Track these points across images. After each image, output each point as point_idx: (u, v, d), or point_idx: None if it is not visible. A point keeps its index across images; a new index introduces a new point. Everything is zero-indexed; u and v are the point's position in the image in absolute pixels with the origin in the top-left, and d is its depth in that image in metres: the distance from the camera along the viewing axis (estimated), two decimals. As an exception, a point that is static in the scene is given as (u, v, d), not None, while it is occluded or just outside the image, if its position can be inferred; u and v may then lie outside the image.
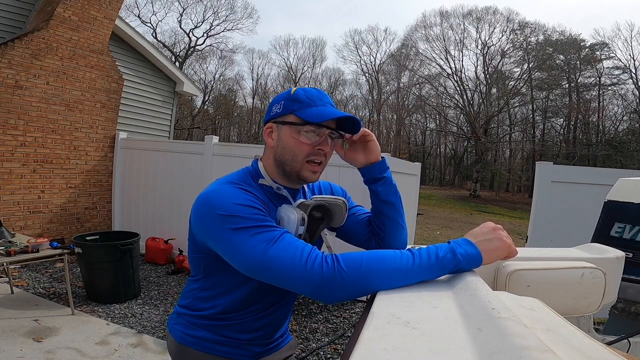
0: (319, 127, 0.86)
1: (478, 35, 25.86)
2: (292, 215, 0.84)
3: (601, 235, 1.81)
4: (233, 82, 31.60)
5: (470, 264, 0.71)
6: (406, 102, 30.09)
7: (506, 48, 25.16)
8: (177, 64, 24.69)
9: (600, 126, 23.51)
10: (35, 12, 4.47)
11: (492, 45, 25.49)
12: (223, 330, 0.93)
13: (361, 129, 0.92)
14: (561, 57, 23.44)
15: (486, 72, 25.47)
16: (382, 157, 0.98)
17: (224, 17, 27.80)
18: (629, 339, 1.13)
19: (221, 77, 30.48)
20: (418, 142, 31.36)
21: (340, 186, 1.11)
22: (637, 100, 21.69)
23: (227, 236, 0.76)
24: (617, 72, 22.27)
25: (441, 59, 26.64)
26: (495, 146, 25.89)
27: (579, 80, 23.27)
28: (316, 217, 0.94)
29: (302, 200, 0.93)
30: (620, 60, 22.08)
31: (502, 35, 25.38)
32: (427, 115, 29.85)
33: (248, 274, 0.76)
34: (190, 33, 26.92)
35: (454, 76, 26.15)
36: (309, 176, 0.89)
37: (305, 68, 32.81)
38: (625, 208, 1.76)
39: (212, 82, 29.76)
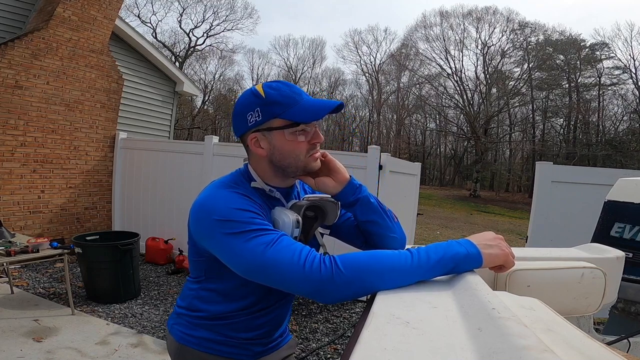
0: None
1: (478, 35, 25.88)
2: (286, 219, 0.84)
3: (601, 235, 1.81)
4: (233, 82, 31.65)
5: (470, 264, 0.71)
6: (406, 102, 30.09)
7: (506, 48, 25.18)
8: (177, 64, 24.69)
9: (600, 126, 23.50)
10: (35, 12, 4.47)
11: (492, 45, 25.51)
12: (223, 329, 0.94)
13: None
14: (561, 57, 23.43)
15: (486, 72, 25.47)
16: (351, 177, 0.95)
17: (224, 17, 27.84)
18: (629, 339, 1.13)
19: (221, 77, 30.54)
20: (418, 142, 31.34)
21: None
22: (637, 100, 21.68)
23: (225, 241, 0.76)
24: (617, 72, 22.28)
25: (441, 59, 26.67)
26: (495, 146, 25.88)
27: (579, 80, 23.26)
28: (309, 217, 0.94)
29: (294, 201, 0.93)
30: (620, 60, 22.09)
31: (502, 35, 25.40)
32: (427, 115, 29.87)
33: (247, 277, 0.77)
34: (190, 33, 26.94)
35: (454, 76, 26.15)
36: (314, 166, 0.90)
37: (305, 68, 32.87)
38: (625, 208, 1.76)
39: (212, 82, 29.81)
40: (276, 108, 0.82)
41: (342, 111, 0.98)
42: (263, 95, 0.83)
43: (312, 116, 0.82)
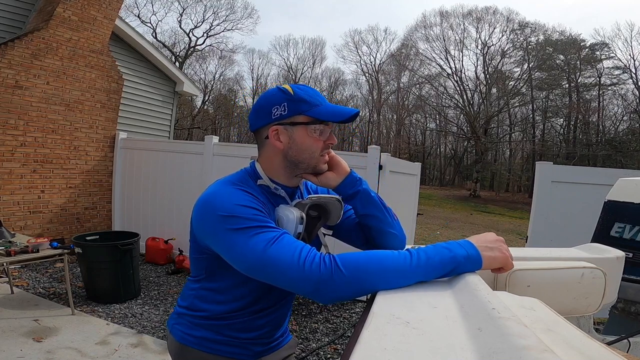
0: (327, 123, 0.89)
1: (478, 35, 25.88)
2: (290, 215, 0.85)
3: (601, 235, 1.81)
4: (233, 82, 31.69)
5: (470, 266, 0.71)
6: (406, 102, 30.09)
7: (506, 48, 25.17)
8: (177, 64, 24.69)
9: (600, 126, 23.50)
10: (35, 12, 4.47)
11: (492, 45, 25.50)
12: (224, 329, 0.94)
13: None
14: (561, 57, 23.43)
15: (486, 72, 25.47)
16: (351, 170, 0.97)
17: (223, 17, 27.85)
18: (629, 339, 1.13)
19: (221, 77, 30.56)
20: (418, 142, 31.34)
21: None
22: (637, 100, 21.68)
23: (227, 236, 0.77)
24: (617, 72, 22.28)
25: (441, 59, 26.66)
26: (495, 146, 25.88)
27: (579, 80, 23.26)
28: (313, 216, 0.94)
29: (299, 200, 0.94)
30: (620, 60, 22.09)
31: (502, 35, 25.40)
32: (427, 115, 29.86)
33: (247, 273, 0.77)
34: (190, 33, 26.94)
35: (454, 76, 26.15)
36: (323, 167, 0.93)
37: (305, 68, 32.89)
38: (625, 208, 1.76)
39: (212, 82, 29.82)
40: (303, 105, 0.86)
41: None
42: (291, 92, 0.87)
43: (335, 117, 0.86)
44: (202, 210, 0.82)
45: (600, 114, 23.18)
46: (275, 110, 0.87)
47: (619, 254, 1.03)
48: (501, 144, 26.42)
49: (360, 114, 0.99)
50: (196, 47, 27.56)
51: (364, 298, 0.75)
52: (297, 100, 0.86)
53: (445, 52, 26.38)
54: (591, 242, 1.21)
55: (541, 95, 24.40)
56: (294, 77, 31.73)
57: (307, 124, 0.87)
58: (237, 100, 31.82)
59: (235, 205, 0.78)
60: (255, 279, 0.77)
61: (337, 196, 0.98)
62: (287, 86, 0.89)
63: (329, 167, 0.95)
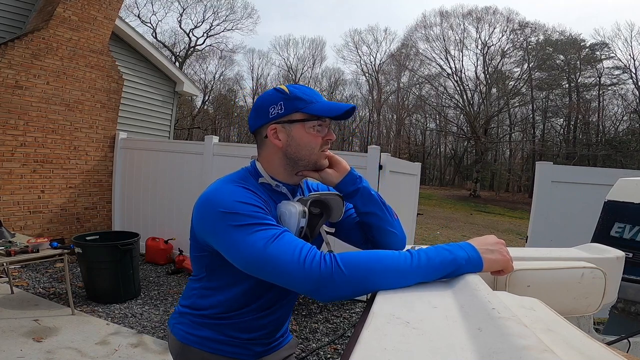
0: (324, 119, 0.89)
1: (478, 35, 25.87)
2: (292, 209, 0.85)
3: (601, 235, 1.81)
4: (233, 82, 31.68)
5: (471, 268, 0.71)
6: (406, 102, 30.08)
7: (506, 48, 25.16)
8: (177, 64, 24.69)
9: (600, 126, 23.50)
10: (35, 12, 4.47)
11: (492, 45, 25.49)
12: (225, 329, 0.94)
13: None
14: (561, 57, 23.43)
15: (486, 72, 25.46)
16: (351, 168, 0.98)
17: (223, 17, 27.83)
18: (629, 339, 1.13)
19: (221, 77, 30.54)
20: (418, 142, 31.33)
21: None
22: (637, 100, 21.68)
23: (227, 233, 0.77)
24: (617, 72, 22.27)
25: (441, 59, 26.65)
26: (495, 146, 25.87)
27: (579, 80, 23.26)
28: (315, 214, 0.94)
29: (300, 197, 0.94)
30: (620, 60, 22.08)
31: (502, 35, 25.39)
32: (427, 115, 29.85)
33: (247, 271, 0.77)
34: (190, 33, 26.93)
35: (454, 76, 26.14)
36: (323, 163, 0.94)
37: (305, 68, 32.87)
38: (625, 208, 1.76)
39: (212, 82, 29.81)
40: (299, 103, 0.88)
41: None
42: (287, 92, 0.88)
43: (331, 112, 0.87)
44: (203, 207, 0.83)
45: (600, 114, 23.18)
46: (272, 109, 0.89)
47: (619, 254, 1.03)
48: (501, 144, 26.42)
49: (357, 111, 0.99)
50: (196, 47, 27.56)
51: (364, 298, 0.75)
52: (293, 98, 0.87)
53: (445, 52, 26.39)
54: (591, 242, 1.21)
55: (541, 95, 24.40)
56: (294, 77, 31.72)
57: (304, 121, 0.88)
58: (237, 100, 31.85)
59: (236, 202, 0.78)
60: (255, 276, 0.77)
61: (339, 193, 0.98)
62: (283, 86, 0.90)
63: (330, 166, 0.96)
